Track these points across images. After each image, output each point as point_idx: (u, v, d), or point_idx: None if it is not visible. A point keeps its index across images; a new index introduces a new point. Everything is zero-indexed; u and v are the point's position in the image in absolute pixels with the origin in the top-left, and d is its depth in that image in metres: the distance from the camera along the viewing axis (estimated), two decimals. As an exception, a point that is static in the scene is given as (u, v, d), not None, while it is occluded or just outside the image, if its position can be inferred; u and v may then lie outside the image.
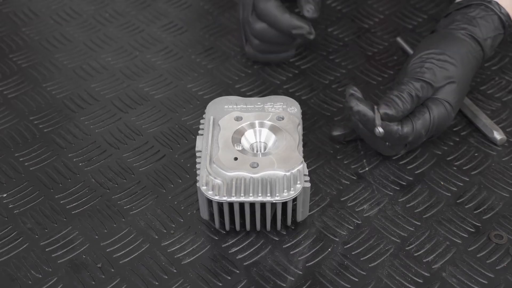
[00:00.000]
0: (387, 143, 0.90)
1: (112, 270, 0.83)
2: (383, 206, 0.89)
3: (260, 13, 0.99)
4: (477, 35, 0.93)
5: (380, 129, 0.86)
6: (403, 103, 0.88)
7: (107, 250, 0.85)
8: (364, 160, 0.95)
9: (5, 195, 0.91)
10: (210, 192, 0.81)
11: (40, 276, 0.82)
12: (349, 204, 0.90)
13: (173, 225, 0.87)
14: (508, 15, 0.95)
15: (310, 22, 1.00)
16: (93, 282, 0.82)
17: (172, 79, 1.07)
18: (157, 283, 0.81)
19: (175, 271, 0.83)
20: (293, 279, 0.82)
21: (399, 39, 1.11)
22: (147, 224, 0.87)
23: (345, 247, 0.85)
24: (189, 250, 0.85)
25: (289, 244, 0.85)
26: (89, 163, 0.95)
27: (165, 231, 0.87)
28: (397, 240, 0.86)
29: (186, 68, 1.09)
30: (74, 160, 0.95)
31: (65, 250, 0.85)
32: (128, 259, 0.84)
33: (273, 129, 0.88)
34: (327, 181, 0.92)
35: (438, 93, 0.90)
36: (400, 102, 0.88)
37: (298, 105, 0.91)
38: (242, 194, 0.81)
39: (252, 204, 0.82)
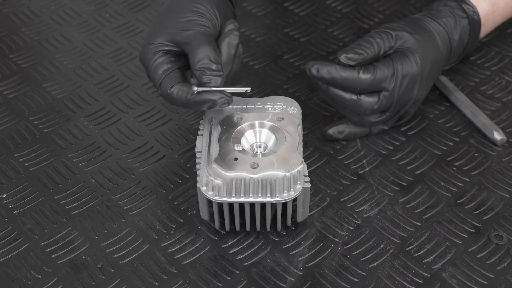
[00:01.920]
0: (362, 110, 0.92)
1: (112, 270, 0.83)
2: (383, 206, 0.89)
3: (169, 101, 0.86)
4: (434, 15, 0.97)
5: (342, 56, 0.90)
6: (361, 46, 0.91)
7: (107, 251, 0.85)
8: (364, 161, 0.95)
9: (5, 196, 0.91)
10: (210, 193, 0.81)
11: (40, 276, 0.82)
12: (349, 205, 0.90)
13: (173, 226, 0.87)
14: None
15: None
16: (93, 283, 0.82)
17: (172, 80, 1.07)
18: (157, 284, 0.81)
19: (175, 271, 0.83)
20: (293, 279, 0.82)
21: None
22: (147, 225, 0.87)
23: (345, 247, 0.85)
24: (189, 250, 0.85)
25: (289, 244, 0.85)
26: (89, 163, 0.95)
27: (165, 231, 0.87)
28: (397, 241, 0.86)
29: (186, 68, 1.09)
30: (74, 160, 0.95)
31: (65, 250, 0.85)
32: (128, 259, 0.84)
33: (273, 130, 0.87)
34: (327, 181, 0.92)
35: (401, 45, 0.92)
36: (357, 47, 0.91)
37: (298, 105, 0.91)
38: (242, 195, 0.81)
39: (252, 205, 0.82)
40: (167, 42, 0.87)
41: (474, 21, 0.97)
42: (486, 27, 1.00)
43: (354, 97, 0.91)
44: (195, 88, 0.83)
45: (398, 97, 0.91)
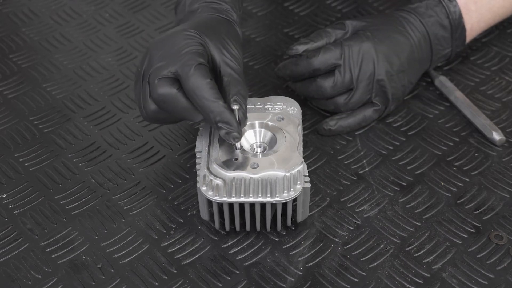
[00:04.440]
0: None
1: (112, 270, 0.83)
2: (383, 206, 0.89)
3: (187, 89, 0.81)
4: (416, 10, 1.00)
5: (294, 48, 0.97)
6: (310, 37, 0.98)
7: (107, 251, 0.85)
8: (364, 161, 0.95)
9: (5, 196, 0.91)
10: (210, 193, 0.81)
11: (40, 276, 0.82)
12: (349, 205, 0.90)
13: (173, 226, 0.87)
14: None
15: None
16: (93, 283, 0.82)
17: (172, 80, 1.07)
18: (157, 284, 0.81)
19: (175, 271, 0.83)
20: (293, 279, 0.82)
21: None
22: (147, 225, 0.87)
23: (345, 247, 0.85)
24: (189, 250, 0.85)
25: (289, 244, 0.85)
26: (89, 163, 0.95)
27: (165, 231, 0.87)
28: (397, 241, 0.86)
29: (186, 68, 1.09)
30: (74, 160, 0.95)
31: (65, 250, 0.85)
32: (128, 259, 0.84)
33: (273, 130, 0.88)
34: (327, 181, 0.92)
35: (354, 29, 0.98)
36: (305, 38, 0.98)
37: (298, 106, 0.91)
38: (242, 195, 0.81)
39: (252, 205, 0.82)
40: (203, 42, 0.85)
41: (450, 2, 1.00)
42: (471, 14, 1.01)
43: (313, 82, 0.96)
44: (235, 107, 0.82)
45: (355, 71, 0.94)
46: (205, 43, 0.85)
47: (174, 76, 0.82)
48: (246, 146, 0.87)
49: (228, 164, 0.83)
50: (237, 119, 0.82)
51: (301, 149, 0.86)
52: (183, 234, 0.86)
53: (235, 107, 0.81)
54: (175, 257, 0.84)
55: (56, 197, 0.91)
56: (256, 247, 0.85)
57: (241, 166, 0.83)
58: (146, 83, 0.84)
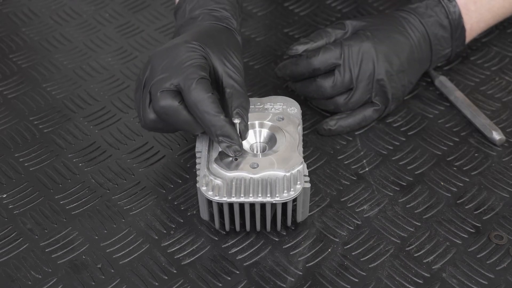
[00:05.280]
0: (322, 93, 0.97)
1: (112, 270, 0.83)
2: (383, 206, 0.89)
3: (189, 103, 0.82)
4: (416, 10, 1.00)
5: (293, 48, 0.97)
6: (310, 37, 0.98)
7: (107, 251, 0.85)
8: (364, 161, 0.95)
9: (5, 196, 0.91)
10: (210, 193, 0.81)
11: (40, 276, 0.82)
12: (349, 205, 0.90)
13: (173, 226, 0.87)
14: None
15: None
16: (93, 283, 0.82)
17: (172, 80, 1.07)
18: (157, 284, 0.81)
19: (175, 271, 0.83)
20: (293, 279, 0.82)
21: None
22: (147, 225, 0.87)
23: (345, 247, 0.85)
24: (189, 250, 0.85)
25: (289, 244, 0.85)
26: (89, 163, 0.95)
27: (165, 231, 0.87)
28: (397, 241, 0.86)
29: (186, 69, 1.09)
30: (74, 160, 0.95)
31: (65, 250, 0.85)
32: (128, 259, 0.84)
33: (273, 130, 0.88)
34: (327, 181, 0.92)
35: (354, 29, 0.98)
36: (305, 38, 0.98)
37: (298, 106, 0.91)
38: (242, 195, 0.81)
39: (252, 205, 0.82)
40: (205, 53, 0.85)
41: (449, 3, 0.99)
42: (471, 15, 1.01)
43: (313, 82, 0.96)
44: (237, 121, 0.82)
45: (355, 71, 0.94)
46: (208, 55, 0.85)
47: (176, 88, 0.82)
48: (246, 146, 0.87)
49: (228, 164, 0.83)
50: (238, 132, 0.82)
51: (301, 149, 0.86)
52: (183, 234, 0.86)
53: (237, 121, 0.82)
54: (175, 257, 0.84)
55: (56, 197, 0.91)
56: (256, 247, 0.85)
57: (241, 166, 0.83)
58: (147, 92, 0.84)
